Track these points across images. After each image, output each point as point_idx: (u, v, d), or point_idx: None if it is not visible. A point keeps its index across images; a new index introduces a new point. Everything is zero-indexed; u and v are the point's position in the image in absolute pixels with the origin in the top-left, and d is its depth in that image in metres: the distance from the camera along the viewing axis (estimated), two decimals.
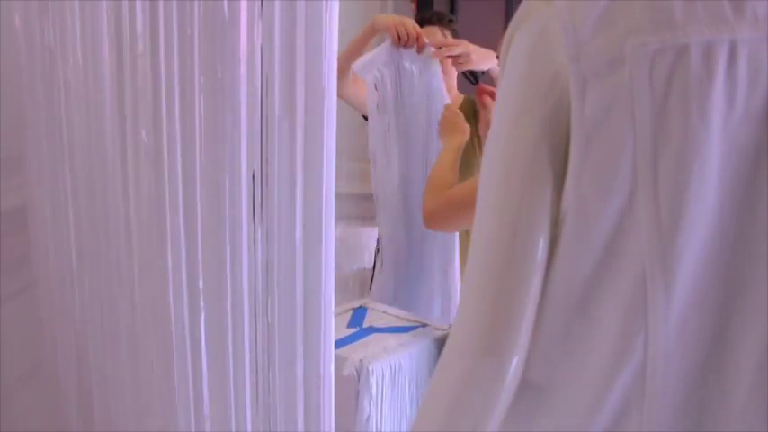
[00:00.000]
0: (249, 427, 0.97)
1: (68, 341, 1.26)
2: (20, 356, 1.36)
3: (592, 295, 0.53)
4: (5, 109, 1.30)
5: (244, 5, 0.86)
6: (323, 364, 0.93)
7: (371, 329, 1.26)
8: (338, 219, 0.93)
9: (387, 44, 1.56)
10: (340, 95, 1.34)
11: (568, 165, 0.53)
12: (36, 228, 1.32)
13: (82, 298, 1.19)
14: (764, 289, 0.50)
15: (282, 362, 0.95)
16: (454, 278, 1.60)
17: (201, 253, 0.95)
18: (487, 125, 1.44)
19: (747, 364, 0.51)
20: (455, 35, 1.75)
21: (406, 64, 1.59)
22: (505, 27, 0.58)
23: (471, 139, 1.71)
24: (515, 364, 0.55)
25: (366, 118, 1.67)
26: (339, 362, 1.08)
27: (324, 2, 0.84)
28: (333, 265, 0.91)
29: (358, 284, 2.20)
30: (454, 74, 1.72)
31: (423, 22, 1.69)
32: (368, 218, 1.74)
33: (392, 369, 1.13)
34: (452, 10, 2.65)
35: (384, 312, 1.37)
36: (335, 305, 0.96)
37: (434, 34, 1.65)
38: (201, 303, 0.96)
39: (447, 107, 1.54)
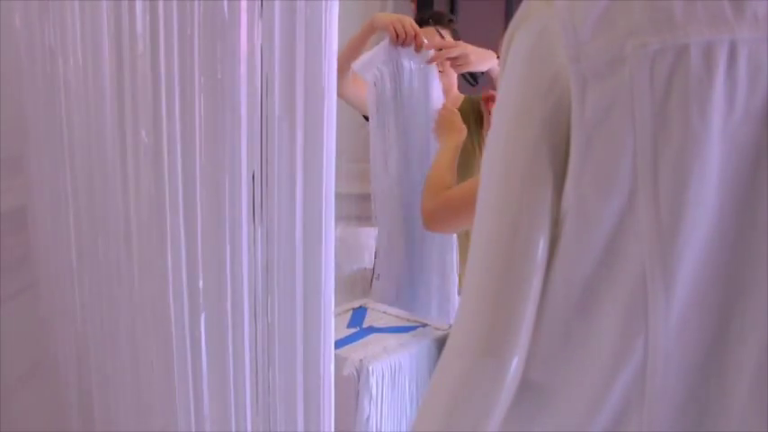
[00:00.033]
0: (249, 427, 0.97)
1: (68, 341, 1.26)
2: (20, 356, 1.36)
3: (592, 295, 0.53)
4: (5, 109, 1.30)
5: (244, 5, 0.86)
6: (323, 364, 0.93)
7: (371, 329, 1.26)
8: (338, 219, 0.93)
9: (385, 42, 1.56)
10: (340, 95, 1.34)
11: (568, 165, 0.53)
12: (36, 228, 1.32)
13: (82, 298, 1.19)
14: (764, 289, 0.50)
15: (282, 362, 0.95)
16: (452, 278, 1.60)
17: (201, 253, 0.95)
18: None
19: (747, 365, 0.51)
20: (455, 35, 1.74)
21: (405, 62, 1.59)
22: (505, 27, 0.58)
23: (472, 140, 1.70)
24: (515, 365, 0.55)
25: (367, 118, 1.67)
26: (339, 362, 1.08)
27: (324, 2, 0.84)
28: (333, 265, 0.91)
29: (358, 284, 2.20)
30: (454, 74, 1.71)
31: (422, 22, 1.69)
32: (368, 218, 1.73)
33: (392, 369, 1.13)
34: (452, 10, 2.65)
35: (384, 312, 1.37)
36: (335, 305, 0.96)
37: (433, 35, 1.65)
38: (201, 303, 0.96)
39: (443, 106, 1.54)
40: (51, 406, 1.35)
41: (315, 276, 0.91)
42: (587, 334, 0.54)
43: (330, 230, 0.90)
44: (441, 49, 1.55)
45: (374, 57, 1.56)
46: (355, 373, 1.09)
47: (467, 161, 1.65)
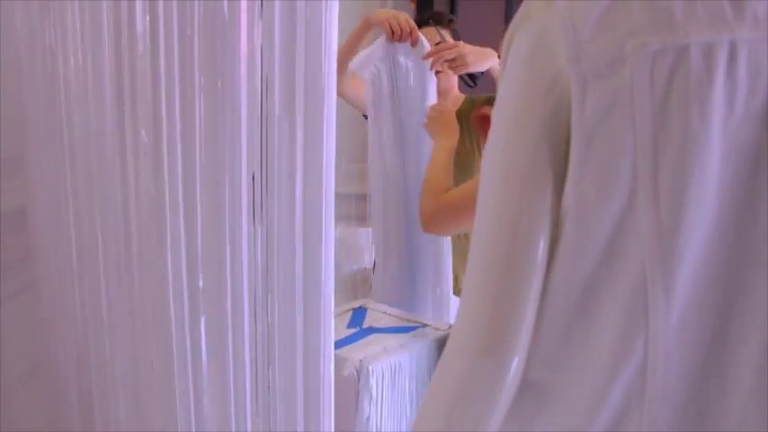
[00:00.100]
0: (249, 427, 0.97)
1: (68, 341, 1.26)
2: (20, 356, 1.36)
3: (592, 296, 0.53)
4: (6, 109, 1.30)
5: (244, 5, 0.86)
6: (323, 364, 0.93)
7: (371, 330, 1.26)
8: (338, 219, 0.93)
9: (381, 39, 1.56)
10: (339, 93, 1.34)
11: (569, 165, 0.53)
12: (36, 228, 1.32)
13: (82, 298, 1.19)
14: (765, 289, 0.50)
15: (282, 362, 0.95)
16: (446, 276, 1.60)
17: (201, 253, 0.95)
18: None
19: (747, 365, 0.51)
20: (455, 35, 1.74)
21: (401, 59, 1.59)
22: (505, 27, 0.58)
23: (471, 141, 1.70)
24: (515, 365, 0.55)
25: (367, 117, 1.67)
26: (339, 362, 1.08)
27: (324, 2, 0.84)
28: (333, 265, 0.91)
29: (358, 284, 2.20)
30: (454, 75, 1.71)
31: (422, 22, 1.69)
32: (368, 218, 1.74)
33: (392, 369, 1.13)
34: (452, 10, 2.65)
35: (384, 313, 1.37)
36: (335, 305, 0.96)
37: (433, 35, 1.65)
38: (201, 303, 0.96)
39: (432, 107, 1.53)
40: (51, 406, 1.35)
41: (315, 276, 0.91)
42: (587, 334, 0.54)
43: (330, 230, 0.90)
44: (440, 52, 1.55)
45: (371, 54, 1.56)
46: (355, 373, 1.10)
47: (466, 162, 1.64)
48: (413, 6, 2.68)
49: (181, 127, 0.92)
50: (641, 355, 0.52)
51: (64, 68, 1.11)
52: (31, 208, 1.32)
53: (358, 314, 1.35)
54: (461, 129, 1.72)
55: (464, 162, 1.61)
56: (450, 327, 1.27)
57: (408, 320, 1.33)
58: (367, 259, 2.13)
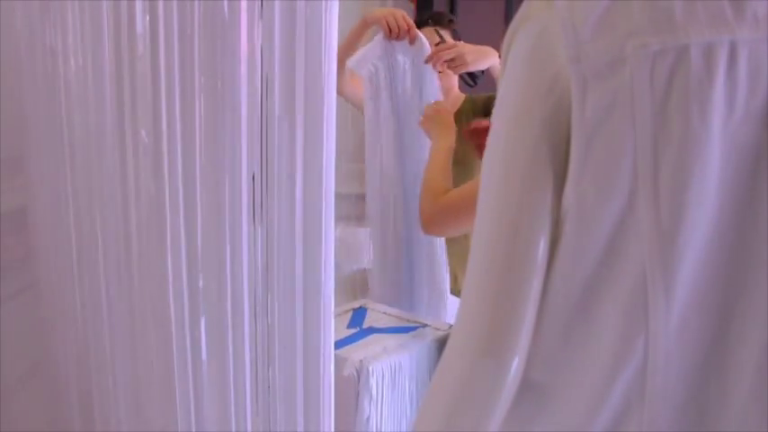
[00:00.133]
0: (249, 427, 0.97)
1: (68, 341, 1.26)
2: (20, 356, 1.36)
3: (592, 296, 0.53)
4: (6, 109, 1.30)
5: (244, 5, 0.86)
6: (323, 365, 0.93)
7: (371, 330, 1.26)
8: (338, 219, 0.93)
9: (379, 37, 1.56)
10: (339, 92, 1.34)
11: (569, 165, 0.53)
12: (36, 228, 1.32)
13: (82, 298, 1.19)
14: (765, 289, 0.50)
15: (282, 362, 0.95)
16: (442, 275, 1.60)
17: (201, 253, 0.95)
18: None
19: (748, 365, 0.51)
20: (455, 35, 1.74)
21: (399, 56, 1.59)
22: (505, 27, 0.58)
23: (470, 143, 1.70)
24: (516, 365, 0.55)
25: None
26: (339, 362, 1.08)
27: (324, 2, 0.84)
28: (333, 265, 0.91)
29: (358, 284, 2.20)
30: (454, 75, 1.71)
31: (422, 23, 1.69)
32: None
33: (392, 369, 1.13)
34: (452, 10, 2.65)
35: (384, 313, 1.37)
36: (335, 305, 0.96)
37: (432, 35, 1.65)
38: (201, 303, 0.96)
39: (428, 105, 1.53)
40: (51, 406, 1.35)
41: (315, 276, 0.91)
42: (588, 334, 0.54)
43: (330, 230, 0.90)
44: (438, 52, 1.55)
45: (369, 52, 1.56)
46: (355, 373, 1.10)
47: (466, 162, 1.64)
48: (413, 6, 2.68)
49: (181, 127, 0.92)
50: (641, 356, 0.52)
51: (64, 68, 1.11)
52: (31, 208, 1.32)
53: (358, 314, 1.35)
54: (461, 128, 1.72)
55: (464, 162, 1.60)
56: (451, 327, 1.27)
57: (408, 321, 1.33)
58: (366, 259, 2.13)
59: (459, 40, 1.73)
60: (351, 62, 1.54)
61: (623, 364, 0.52)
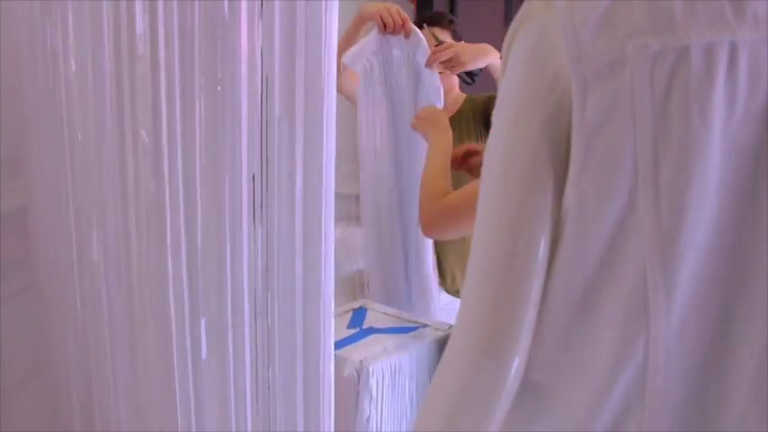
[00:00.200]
0: (249, 427, 0.97)
1: (68, 341, 1.26)
2: (20, 356, 1.36)
3: (593, 296, 0.53)
4: (6, 109, 1.30)
5: (244, 5, 0.86)
6: (323, 365, 0.93)
7: (371, 330, 1.26)
8: (338, 219, 0.93)
9: (374, 32, 1.56)
10: (338, 90, 1.34)
11: (569, 165, 0.53)
12: (36, 228, 1.32)
13: (82, 298, 1.19)
14: (765, 290, 0.50)
15: (282, 362, 0.95)
16: (429, 274, 1.60)
17: (201, 253, 0.95)
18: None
19: (748, 366, 0.51)
20: (455, 36, 1.74)
21: (395, 51, 1.58)
22: (505, 27, 0.58)
23: (470, 142, 1.70)
24: (516, 366, 0.55)
25: None
26: (339, 363, 1.08)
27: (324, 2, 0.84)
28: (333, 265, 0.91)
29: (358, 284, 2.20)
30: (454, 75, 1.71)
31: (418, 24, 1.69)
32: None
33: (392, 370, 1.13)
34: (452, 10, 2.65)
35: (384, 313, 1.37)
36: (335, 306, 0.96)
37: (429, 38, 1.65)
38: (201, 304, 0.96)
39: (423, 108, 1.52)
40: (51, 406, 1.35)
41: (315, 276, 0.91)
42: (588, 334, 0.54)
43: (330, 230, 0.90)
44: (435, 53, 1.55)
45: (364, 47, 1.55)
46: (355, 373, 1.10)
47: None
48: (413, 6, 2.68)
49: (181, 127, 0.92)
50: (642, 356, 0.52)
51: (65, 69, 1.11)
52: (32, 208, 1.32)
53: (358, 314, 1.35)
54: (461, 129, 1.72)
55: None
56: (451, 327, 1.27)
57: (408, 321, 1.33)
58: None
59: (460, 40, 1.73)
60: (346, 57, 1.54)
61: (623, 365, 0.52)
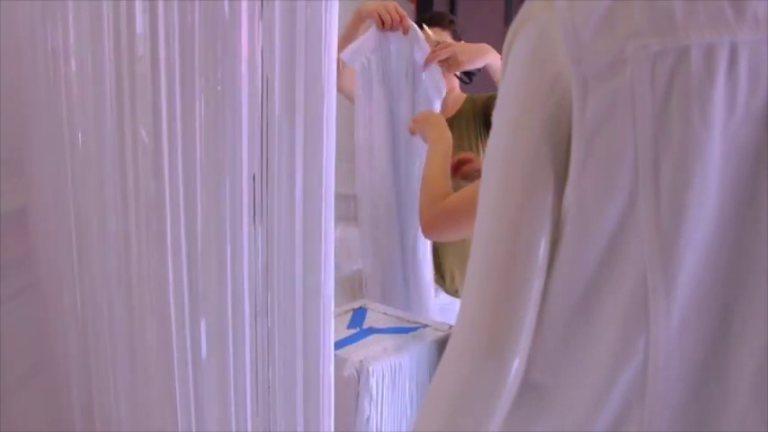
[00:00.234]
0: (249, 427, 0.97)
1: (68, 341, 1.26)
2: (20, 356, 1.36)
3: (593, 296, 0.53)
4: (6, 109, 1.30)
5: (244, 6, 0.86)
6: (323, 365, 0.93)
7: (372, 330, 1.26)
8: (338, 219, 0.93)
9: (372, 29, 1.56)
10: (338, 89, 1.34)
11: (569, 165, 0.53)
12: (36, 228, 1.32)
13: (82, 298, 1.19)
14: (765, 290, 0.50)
15: (282, 362, 0.95)
16: (424, 273, 1.60)
17: (201, 253, 0.95)
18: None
19: (748, 366, 0.51)
20: (455, 36, 1.74)
21: (393, 48, 1.58)
22: (505, 27, 0.58)
23: (470, 142, 1.70)
24: (516, 366, 0.55)
25: None
26: (339, 363, 1.08)
27: (324, 2, 0.84)
28: (333, 265, 0.91)
29: (358, 285, 2.20)
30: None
31: (422, 23, 1.69)
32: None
33: (392, 370, 1.13)
34: (452, 10, 2.65)
35: (384, 313, 1.37)
36: (335, 306, 0.96)
37: (428, 37, 1.65)
38: (201, 304, 0.96)
39: (421, 113, 1.52)
40: (51, 406, 1.35)
41: (315, 276, 0.91)
42: (588, 334, 0.54)
43: (330, 231, 0.90)
44: (433, 54, 1.55)
45: (362, 45, 1.55)
46: (355, 373, 1.09)
47: None
48: (413, 6, 2.68)
49: (181, 127, 0.92)
50: (642, 356, 0.52)
51: (65, 69, 1.11)
52: (32, 208, 1.32)
53: (358, 315, 1.35)
54: (462, 129, 1.71)
55: None
56: (451, 328, 1.27)
57: (408, 321, 1.33)
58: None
59: (460, 40, 1.73)
60: (344, 55, 1.54)
61: (624, 365, 0.52)
